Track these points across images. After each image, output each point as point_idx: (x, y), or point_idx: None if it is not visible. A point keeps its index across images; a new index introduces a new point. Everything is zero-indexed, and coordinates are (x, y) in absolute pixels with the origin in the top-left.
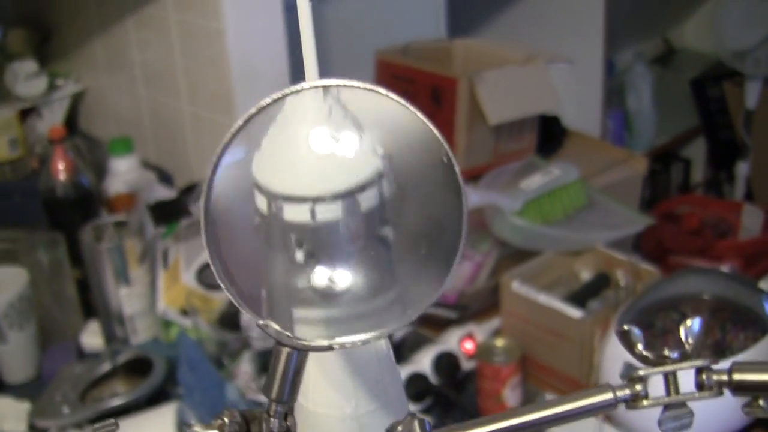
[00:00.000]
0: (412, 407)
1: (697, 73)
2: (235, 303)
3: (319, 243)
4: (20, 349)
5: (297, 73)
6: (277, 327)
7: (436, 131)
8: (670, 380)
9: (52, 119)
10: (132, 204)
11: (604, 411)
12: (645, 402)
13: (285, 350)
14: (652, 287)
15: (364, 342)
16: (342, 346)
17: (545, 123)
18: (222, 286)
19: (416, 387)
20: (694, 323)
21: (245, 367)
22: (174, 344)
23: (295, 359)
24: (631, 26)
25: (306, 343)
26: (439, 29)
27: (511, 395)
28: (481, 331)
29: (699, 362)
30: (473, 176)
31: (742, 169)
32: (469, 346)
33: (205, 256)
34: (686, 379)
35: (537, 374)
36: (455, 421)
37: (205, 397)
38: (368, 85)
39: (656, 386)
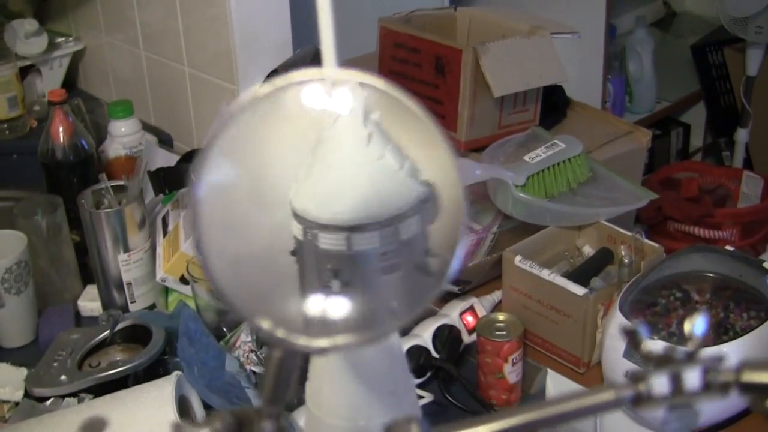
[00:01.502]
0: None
1: (697, 38)
2: (225, 301)
3: (355, 273)
4: (17, 313)
5: (299, 38)
6: (270, 327)
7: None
8: (676, 380)
9: (51, 78)
10: (131, 167)
11: (606, 411)
12: (649, 403)
13: (278, 352)
14: (656, 265)
15: (362, 344)
16: (339, 347)
17: (549, 93)
18: (211, 281)
19: (417, 360)
20: (699, 322)
21: (245, 337)
22: (173, 314)
23: (289, 360)
24: None
25: (301, 343)
26: None
27: (512, 371)
28: (482, 304)
29: (706, 362)
30: (477, 148)
31: (742, 135)
32: (470, 319)
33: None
34: (691, 375)
35: (538, 350)
36: (456, 394)
37: (204, 370)
38: (387, 88)
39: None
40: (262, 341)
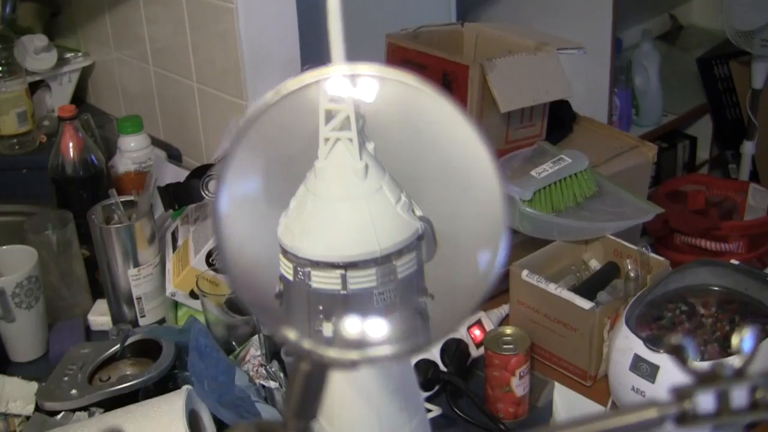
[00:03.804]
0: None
1: (704, 51)
2: (252, 312)
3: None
4: (28, 328)
5: (307, 55)
6: (296, 338)
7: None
8: (722, 398)
9: (61, 93)
10: (141, 182)
11: (649, 429)
12: (694, 421)
13: (305, 365)
14: (661, 279)
15: (393, 359)
16: (371, 361)
17: (555, 108)
18: (235, 292)
19: (425, 374)
20: (747, 337)
21: (254, 351)
22: (183, 328)
23: (318, 374)
24: (638, 2)
25: (330, 357)
26: (449, 13)
27: (519, 384)
28: (489, 318)
29: (754, 379)
30: None
31: (748, 148)
32: (477, 333)
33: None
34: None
35: (546, 363)
36: (463, 408)
37: (215, 385)
38: (400, 76)
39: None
40: (273, 355)
